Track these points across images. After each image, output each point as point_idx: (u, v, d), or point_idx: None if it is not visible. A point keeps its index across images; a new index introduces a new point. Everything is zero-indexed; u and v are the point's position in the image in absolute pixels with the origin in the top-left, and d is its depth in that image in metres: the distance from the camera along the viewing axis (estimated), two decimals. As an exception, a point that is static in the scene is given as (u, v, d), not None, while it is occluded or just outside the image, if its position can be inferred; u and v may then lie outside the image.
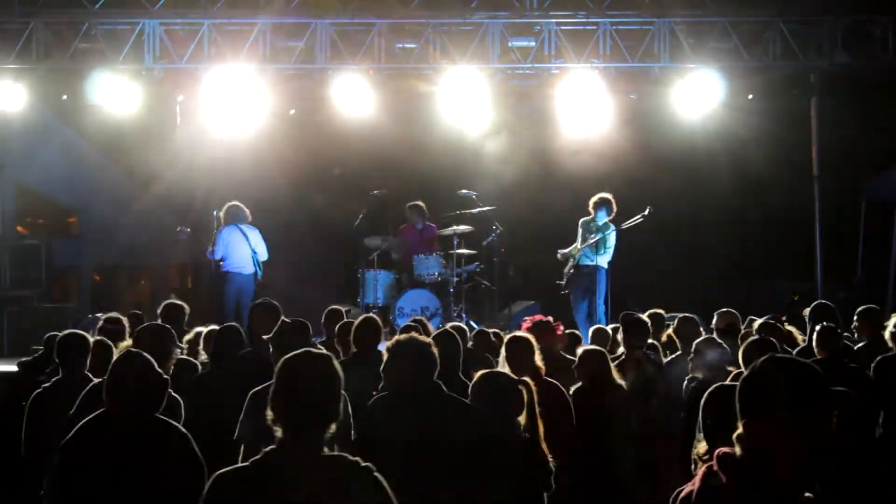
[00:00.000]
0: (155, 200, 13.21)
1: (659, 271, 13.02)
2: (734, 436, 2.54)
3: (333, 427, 3.01)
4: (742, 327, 7.42)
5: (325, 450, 2.98)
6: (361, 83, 11.63)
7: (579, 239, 11.45)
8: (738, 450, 2.53)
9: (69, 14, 11.64)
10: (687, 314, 7.25)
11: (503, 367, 5.48)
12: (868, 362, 6.29)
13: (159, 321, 6.93)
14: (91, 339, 5.93)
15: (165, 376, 4.38)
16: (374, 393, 4.82)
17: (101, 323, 6.86)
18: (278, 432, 2.96)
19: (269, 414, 2.99)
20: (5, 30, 11.69)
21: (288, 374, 3.06)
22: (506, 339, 5.79)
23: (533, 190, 13.26)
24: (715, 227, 13.39)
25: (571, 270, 11.40)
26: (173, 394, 5.24)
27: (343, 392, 3.11)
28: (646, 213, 11.27)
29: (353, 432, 5.22)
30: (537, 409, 4.32)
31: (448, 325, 6.98)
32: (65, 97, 12.32)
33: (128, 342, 5.56)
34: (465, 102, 11.75)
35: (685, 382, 6.31)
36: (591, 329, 8.32)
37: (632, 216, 11.44)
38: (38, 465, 5.47)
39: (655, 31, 11.59)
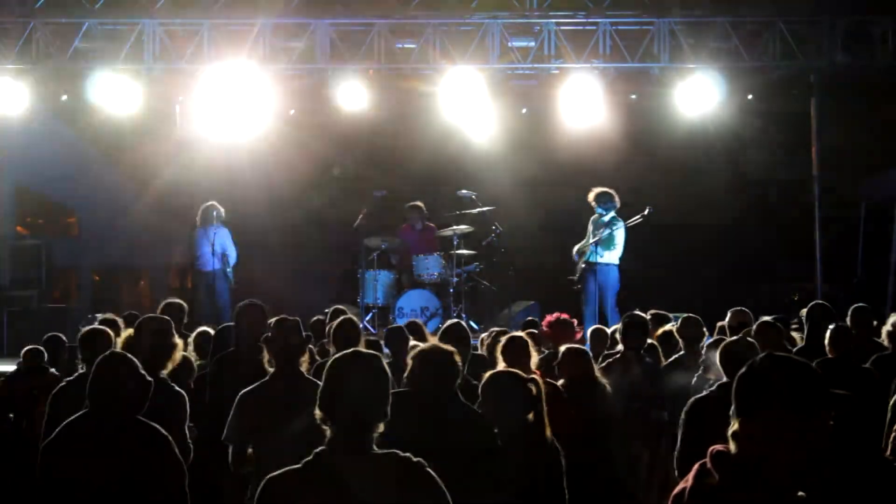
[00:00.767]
0: (155, 200, 13.22)
1: (659, 271, 13.03)
2: (729, 433, 2.53)
3: (382, 426, 3.02)
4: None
5: (375, 448, 2.98)
6: (361, 83, 11.63)
7: (588, 235, 11.45)
8: (732, 447, 2.52)
9: (69, 14, 11.64)
10: (690, 314, 7.24)
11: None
12: (862, 361, 6.30)
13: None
14: (112, 336, 5.97)
15: (149, 378, 4.35)
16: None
17: (97, 323, 6.85)
18: (328, 432, 2.98)
19: (318, 413, 3.00)
20: (5, 30, 11.69)
21: (338, 374, 3.07)
22: (503, 340, 5.80)
23: (533, 190, 13.26)
24: (715, 227, 13.38)
25: (583, 266, 11.39)
26: (177, 388, 5.26)
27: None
28: (645, 213, 11.26)
29: None
30: (545, 407, 4.34)
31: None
32: (65, 97, 12.32)
33: (128, 332, 5.53)
34: (464, 103, 11.76)
35: (694, 380, 6.23)
36: (590, 329, 8.32)
37: (631, 216, 11.44)
38: None
39: (655, 31, 11.59)
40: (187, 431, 5.08)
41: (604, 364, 6.64)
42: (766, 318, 6.64)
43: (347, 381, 3.04)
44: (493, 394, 4.34)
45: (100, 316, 7.14)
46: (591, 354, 6.23)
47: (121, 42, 11.64)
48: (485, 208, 12.50)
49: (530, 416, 4.34)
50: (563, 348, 6.17)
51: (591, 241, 11.30)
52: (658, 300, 9.24)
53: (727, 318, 7.26)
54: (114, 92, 11.56)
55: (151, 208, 12.85)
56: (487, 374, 4.50)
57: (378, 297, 12.36)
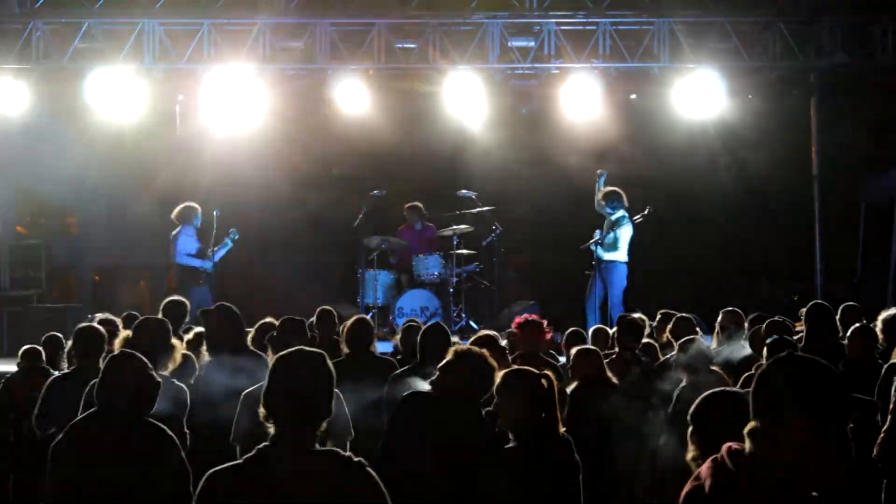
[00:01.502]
0: (155, 200, 13.21)
1: (658, 271, 13.02)
2: (745, 431, 2.52)
3: (325, 424, 3.03)
4: (745, 326, 7.42)
5: (318, 446, 2.99)
6: (361, 83, 11.63)
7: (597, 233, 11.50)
8: (747, 446, 2.52)
9: (69, 14, 11.64)
10: (684, 314, 7.24)
11: None
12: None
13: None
14: (106, 334, 6.00)
15: (158, 378, 4.36)
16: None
17: (94, 323, 6.84)
18: (271, 429, 2.99)
19: (262, 411, 3.02)
20: (5, 30, 11.69)
21: (281, 372, 3.08)
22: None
23: (533, 190, 13.26)
24: (715, 227, 13.38)
25: (594, 261, 11.44)
26: (177, 382, 5.27)
27: (336, 390, 3.13)
28: (646, 212, 11.27)
29: (352, 429, 5.23)
30: (557, 403, 4.36)
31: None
32: (65, 97, 12.31)
33: (125, 333, 5.54)
34: (464, 103, 11.75)
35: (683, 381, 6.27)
36: (591, 329, 8.33)
37: (632, 216, 11.45)
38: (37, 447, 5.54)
39: (655, 31, 11.59)
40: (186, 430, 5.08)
41: (606, 363, 6.63)
42: (778, 317, 6.60)
43: (290, 379, 3.04)
44: (507, 391, 4.35)
45: (99, 316, 7.13)
46: (601, 354, 6.23)
47: (121, 42, 11.64)
48: (485, 208, 12.50)
49: (543, 414, 4.34)
50: (574, 350, 6.20)
51: (594, 239, 11.33)
52: (658, 300, 9.24)
53: (719, 319, 7.26)
54: (114, 92, 11.55)
55: (151, 208, 12.83)
56: (502, 374, 4.52)
57: (378, 297, 12.36)
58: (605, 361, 6.70)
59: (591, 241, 11.36)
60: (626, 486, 5.78)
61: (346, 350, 6.38)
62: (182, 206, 11.74)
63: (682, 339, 6.15)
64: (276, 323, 6.50)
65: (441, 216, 12.99)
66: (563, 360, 7.71)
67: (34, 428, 5.85)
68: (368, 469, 2.99)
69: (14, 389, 6.90)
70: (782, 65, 11.75)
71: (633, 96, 12.52)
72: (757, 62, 11.71)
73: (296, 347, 3.20)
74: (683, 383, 5.88)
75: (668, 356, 6.94)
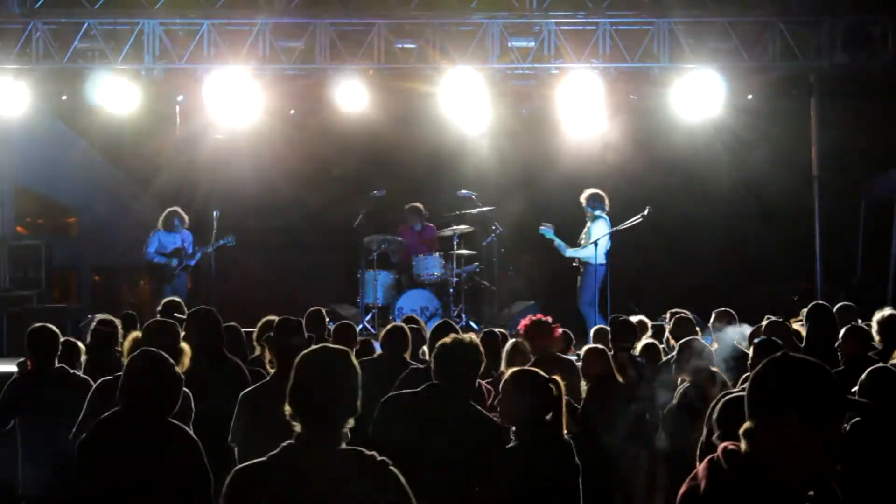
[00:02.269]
0: (155, 200, 13.22)
1: (658, 271, 13.02)
2: (741, 431, 2.53)
3: (351, 422, 3.03)
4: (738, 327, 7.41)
5: (343, 444, 2.99)
6: (361, 83, 11.63)
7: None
8: (743, 446, 2.52)
9: (69, 14, 11.64)
10: (682, 315, 7.24)
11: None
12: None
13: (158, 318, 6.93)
14: (59, 333, 6.02)
15: (180, 374, 4.32)
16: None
17: (94, 324, 6.84)
18: (296, 427, 2.99)
19: (287, 409, 3.01)
20: (5, 30, 11.69)
21: (306, 369, 3.07)
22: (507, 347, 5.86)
23: (533, 190, 13.26)
24: (715, 227, 13.37)
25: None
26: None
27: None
28: (645, 213, 11.27)
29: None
30: (564, 407, 4.35)
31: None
32: (65, 97, 12.31)
33: (135, 334, 5.52)
34: (464, 103, 11.76)
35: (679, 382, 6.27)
36: (593, 329, 8.33)
37: (631, 216, 11.45)
38: None
39: (655, 31, 11.59)
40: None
41: None
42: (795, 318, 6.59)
43: (316, 377, 3.04)
44: (514, 391, 4.34)
45: (99, 316, 7.12)
46: (609, 353, 6.22)
47: (121, 42, 11.64)
48: (485, 208, 12.50)
49: (549, 415, 4.34)
50: (583, 350, 6.20)
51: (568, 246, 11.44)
52: (657, 300, 9.25)
53: (711, 319, 7.26)
54: (114, 92, 11.55)
55: (151, 208, 12.83)
56: (509, 372, 4.50)
57: (378, 297, 12.36)
58: None
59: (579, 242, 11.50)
60: (626, 487, 5.78)
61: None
62: (167, 210, 11.83)
63: (682, 340, 6.14)
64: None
65: (441, 216, 12.98)
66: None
67: None
68: (392, 468, 2.99)
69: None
70: (782, 65, 11.75)
71: (633, 96, 12.52)
72: (757, 62, 11.71)
73: (320, 345, 3.20)
74: (685, 384, 5.87)
75: (667, 357, 6.95)
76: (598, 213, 11.47)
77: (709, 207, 13.31)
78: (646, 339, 7.36)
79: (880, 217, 13.09)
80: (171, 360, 4.30)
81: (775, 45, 11.59)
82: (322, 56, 11.64)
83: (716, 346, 6.46)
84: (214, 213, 11.92)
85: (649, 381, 6.56)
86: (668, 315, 8.01)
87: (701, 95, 11.59)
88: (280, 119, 12.62)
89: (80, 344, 6.41)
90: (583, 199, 11.58)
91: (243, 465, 3.02)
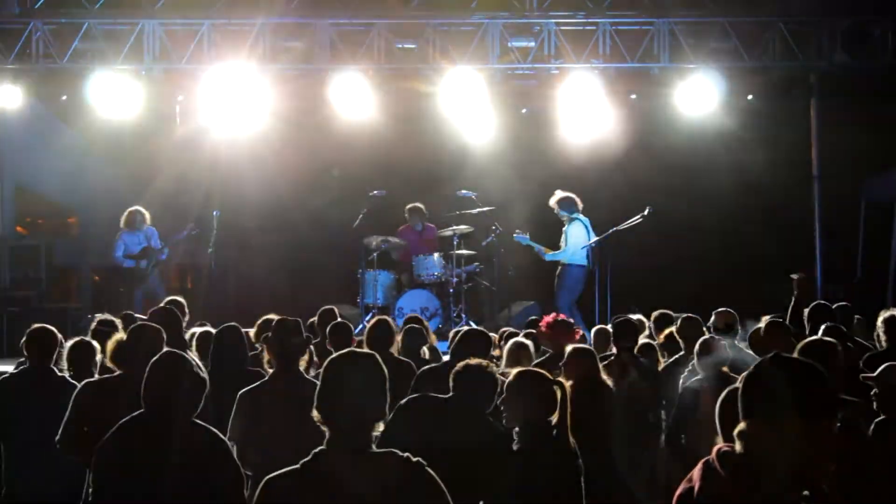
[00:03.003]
0: (155, 201, 13.21)
1: (659, 271, 13.02)
2: (735, 432, 2.54)
3: (381, 426, 3.02)
4: (738, 327, 7.41)
5: (374, 448, 2.98)
6: (361, 83, 11.63)
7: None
8: (738, 447, 2.54)
9: (69, 14, 11.65)
10: (690, 314, 7.24)
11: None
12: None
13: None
14: (58, 334, 5.97)
15: (203, 376, 4.29)
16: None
17: (94, 325, 6.84)
18: (327, 432, 2.97)
19: (316, 414, 3.00)
20: (5, 30, 11.69)
21: (334, 374, 3.05)
22: (507, 346, 5.86)
23: (533, 190, 13.25)
24: (715, 227, 13.37)
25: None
26: None
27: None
28: (645, 213, 11.27)
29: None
30: (569, 410, 4.34)
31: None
32: (65, 97, 12.32)
33: (119, 336, 5.50)
34: (464, 103, 11.76)
35: (681, 380, 6.29)
36: (594, 330, 8.32)
37: (631, 216, 11.45)
38: None
39: (655, 31, 11.60)
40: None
41: (603, 365, 6.62)
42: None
43: (345, 382, 3.03)
44: (518, 392, 4.33)
45: (99, 316, 7.11)
46: (596, 354, 6.21)
47: (120, 42, 11.65)
48: (485, 208, 12.50)
49: (553, 418, 4.33)
50: (568, 348, 6.15)
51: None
52: (657, 300, 9.23)
53: (712, 319, 7.27)
54: (114, 92, 11.56)
55: (151, 208, 12.83)
56: (514, 372, 4.49)
57: (378, 297, 12.35)
58: (603, 364, 6.70)
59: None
60: (617, 488, 5.77)
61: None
62: (128, 210, 11.82)
63: (703, 340, 6.12)
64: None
65: (441, 216, 12.98)
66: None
67: None
68: (428, 469, 2.98)
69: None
70: (782, 65, 11.75)
71: (633, 96, 12.52)
72: (757, 62, 11.72)
73: (347, 349, 3.20)
74: (697, 385, 5.88)
75: (674, 357, 6.94)
76: (573, 215, 11.52)
77: (709, 207, 13.30)
78: (643, 339, 7.36)
79: (880, 217, 13.09)
80: (192, 362, 4.27)
81: (775, 45, 11.60)
82: (322, 56, 11.65)
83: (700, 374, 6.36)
84: (214, 213, 11.92)
85: (651, 381, 6.56)
86: (653, 315, 8.02)
87: (701, 96, 11.59)
88: (280, 119, 12.62)
89: (94, 344, 6.37)
90: (553, 203, 11.61)
91: (275, 473, 2.98)
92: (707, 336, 6.33)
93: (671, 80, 11.72)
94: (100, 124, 12.22)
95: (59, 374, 5.89)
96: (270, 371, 5.31)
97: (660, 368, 6.88)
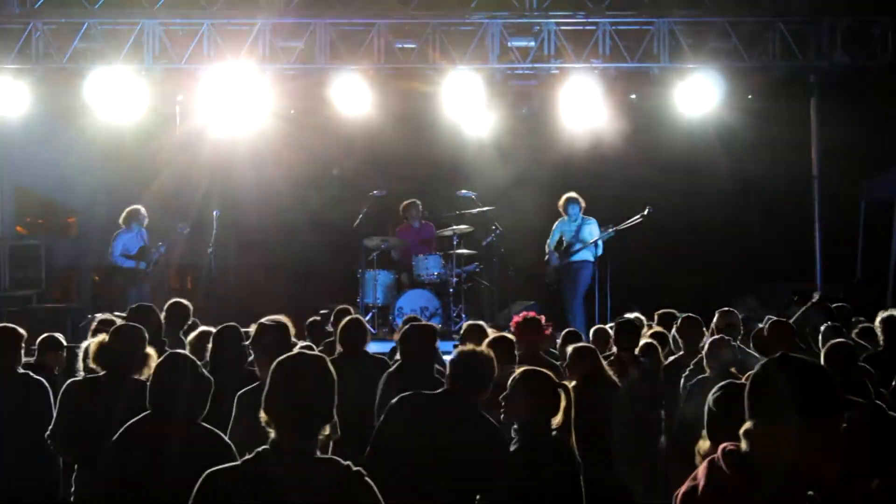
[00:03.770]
0: (155, 201, 13.20)
1: (659, 271, 13.02)
2: (741, 431, 2.54)
3: (328, 429, 3.01)
4: (741, 327, 7.42)
5: (318, 452, 2.97)
6: (361, 83, 11.63)
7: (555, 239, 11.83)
8: (743, 446, 2.54)
9: (69, 14, 11.64)
10: (690, 314, 7.25)
11: None
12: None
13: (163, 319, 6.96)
14: (22, 332, 6.02)
15: (209, 377, 4.30)
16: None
17: (94, 325, 6.84)
18: (272, 433, 2.96)
19: (263, 415, 2.99)
20: (5, 30, 11.69)
21: (281, 375, 3.04)
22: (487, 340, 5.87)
23: (533, 190, 13.25)
24: (715, 227, 13.37)
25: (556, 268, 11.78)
26: None
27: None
28: (645, 213, 11.29)
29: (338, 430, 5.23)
30: (573, 414, 4.32)
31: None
32: (65, 97, 12.30)
33: (100, 337, 5.49)
34: (464, 103, 11.76)
35: (682, 381, 6.31)
36: (592, 330, 8.31)
37: (631, 216, 11.45)
38: None
39: (655, 31, 11.59)
40: None
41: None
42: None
43: (290, 383, 3.01)
44: (522, 390, 4.32)
45: (99, 316, 7.11)
46: (597, 352, 6.21)
47: (121, 42, 11.65)
48: (485, 208, 12.50)
49: (556, 420, 4.32)
50: (569, 348, 6.17)
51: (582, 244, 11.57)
52: (657, 300, 9.23)
53: (714, 319, 7.27)
54: (113, 92, 11.55)
55: (152, 208, 12.83)
56: (519, 371, 4.48)
57: (378, 297, 12.36)
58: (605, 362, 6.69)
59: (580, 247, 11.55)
60: (618, 488, 5.77)
61: (339, 349, 6.40)
62: (127, 209, 11.80)
63: (713, 340, 6.13)
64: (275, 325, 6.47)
65: (441, 216, 12.98)
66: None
67: None
68: (367, 479, 2.97)
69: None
70: (782, 65, 11.75)
71: (633, 96, 12.51)
72: (757, 62, 11.71)
73: (296, 351, 3.18)
74: (704, 385, 5.87)
75: (676, 355, 6.95)
76: (586, 216, 11.72)
77: (709, 207, 13.31)
78: (644, 339, 7.36)
79: (880, 217, 13.08)
80: (198, 364, 4.27)
81: (775, 45, 11.59)
82: (322, 56, 11.65)
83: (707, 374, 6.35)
84: (214, 213, 11.91)
85: (652, 381, 6.56)
86: (656, 315, 8.04)
87: (701, 96, 11.59)
88: (280, 119, 12.61)
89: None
90: (578, 205, 11.72)
91: (215, 468, 2.98)
92: (716, 336, 6.33)
93: (671, 80, 11.71)
94: (100, 124, 12.21)
95: (31, 374, 5.93)
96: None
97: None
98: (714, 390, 3.74)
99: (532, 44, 11.83)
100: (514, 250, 13.13)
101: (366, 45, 11.64)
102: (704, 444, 3.70)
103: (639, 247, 11.98)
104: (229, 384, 5.37)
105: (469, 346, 4.70)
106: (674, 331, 7.26)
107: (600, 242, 11.69)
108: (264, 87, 11.71)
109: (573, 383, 5.85)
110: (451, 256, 12.34)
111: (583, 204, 11.83)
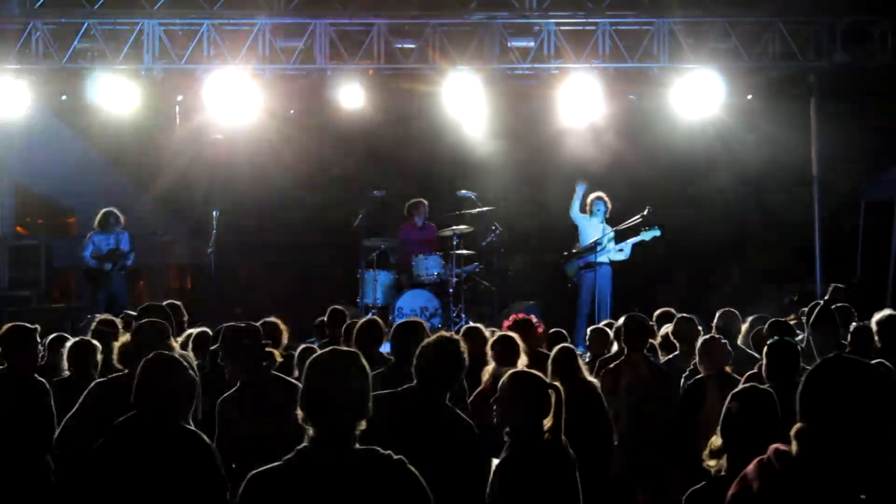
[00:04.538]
0: (155, 200, 13.22)
1: (658, 271, 13.02)
2: (792, 432, 2.52)
3: (364, 423, 3.02)
4: (740, 326, 7.42)
5: (357, 445, 2.98)
6: (360, 83, 11.63)
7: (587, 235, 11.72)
8: (794, 447, 2.52)
9: (69, 14, 11.65)
10: (685, 314, 7.24)
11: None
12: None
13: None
14: (37, 333, 5.98)
15: (195, 378, 4.30)
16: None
17: (94, 325, 6.84)
18: (310, 431, 2.97)
19: (300, 413, 3.00)
20: (5, 30, 11.69)
21: (317, 373, 3.06)
22: (492, 340, 5.83)
23: (533, 190, 13.26)
24: (715, 227, 13.37)
25: (583, 267, 11.69)
26: None
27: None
28: (645, 213, 11.28)
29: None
30: (563, 415, 4.27)
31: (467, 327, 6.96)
32: (65, 97, 12.31)
33: (125, 338, 5.51)
34: (464, 103, 11.75)
35: (682, 380, 6.30)
36: (590, 329, 8.29)
37: (631, 216, 11.45)
38: None
39: (655, 31, 11.60)
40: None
41: (611, 366, 6.58)
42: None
43: (327, 380, 3.03)
44: (511, 392, 4.28)
45: (98, 316, 7.12)
46: (577, 354, 6.15)
47: (120, 42, 11.65)
48: (485, 208, 12.50)
49: (546, 421, 4.28)
50: (554, 350, 6.12)
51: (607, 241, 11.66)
52: (656, 300, 9.24)
53: (715, 319, 7.26)
54: (114, 92, 11.56)
55: (151, 208, 12.86)
56: (509, 373, 4.42)
57: (378, 297, 12.35)
58: (615, 363, 6.62)
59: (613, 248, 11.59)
60: (625, 488, 5.77)
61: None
62: (102, 211, 11.77)
63: (705, 340, 6.13)
64: (280, 324, 6.47)
65: (441, 216, 12.98)
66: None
67: None
68: (410, 467, 2.98)
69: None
70: (782, 65, 11.75)
71: (633, 96, 12.51)
72: (757, 62, 11.71)
73: (330, 347, 3.20)
74: (700, 386, 5.87)
75: (671, 355, 6.94)
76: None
77: (709, 207, 13.31)
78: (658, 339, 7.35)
79: (880, 217, 13.08)
80: (184, 364, 4.27)
81: (775, 45, 11.60)
82: (322, 56, 11.65)
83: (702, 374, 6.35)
84: (214, 213, 11.91)
85: (662, 381, 6.50)
86: (655, 314, 8.04)
87: (701, 95, 11.59)
88: (280, 119, 12.62)
89: (95, 343, 6.37)
90: (605, 207, 11.77)
91: (258, 470, 2.98)
92: (709, 336, 6.32)
93: (671, 80, 11.71)
94: (100, 124, 12.22)
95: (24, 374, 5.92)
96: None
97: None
98: (736, 392, 3.72)
99: (532, 44, 11.83)
100: (514, 250, 13.14)
101: (366, 45, 11.64)
102: (717, 440, 3.70)
103: (639, 247, 11.97)
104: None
105: (434, 337, 4.50)
106: (669, 330, 7.25)
107: (626, 248, 11.67)
108: (264, 87, 11.71)
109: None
110: (451, 256, 12.33)
111: (609, 206, 11.80)
